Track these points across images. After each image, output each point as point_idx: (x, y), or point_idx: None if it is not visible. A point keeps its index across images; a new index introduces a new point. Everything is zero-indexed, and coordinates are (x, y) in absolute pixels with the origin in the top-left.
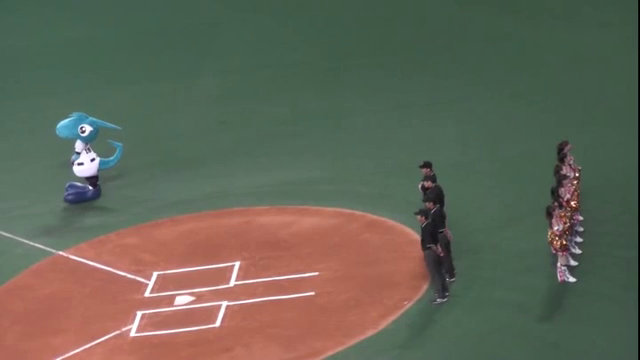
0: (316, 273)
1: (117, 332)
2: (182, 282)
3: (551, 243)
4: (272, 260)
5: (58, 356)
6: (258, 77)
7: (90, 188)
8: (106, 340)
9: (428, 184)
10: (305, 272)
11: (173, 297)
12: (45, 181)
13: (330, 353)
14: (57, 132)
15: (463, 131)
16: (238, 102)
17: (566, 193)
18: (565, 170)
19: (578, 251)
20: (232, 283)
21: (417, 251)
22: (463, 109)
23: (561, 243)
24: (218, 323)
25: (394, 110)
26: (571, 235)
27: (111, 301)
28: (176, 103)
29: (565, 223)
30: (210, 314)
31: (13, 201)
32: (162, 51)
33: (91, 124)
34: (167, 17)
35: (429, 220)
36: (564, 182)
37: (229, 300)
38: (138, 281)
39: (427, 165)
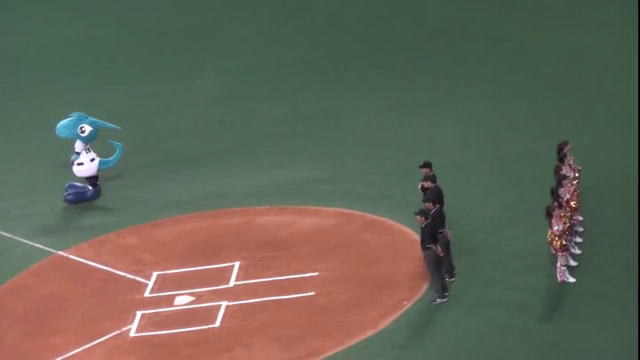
0: (316, 273)
1: (117, 332)
2: (182, 282)
3: (551, 243)
4: (272, 260)
5: (58, 356)
6: (258, 77)
7: (90, 188)
8: (106, 340)
9: (428, 184)
10: (305, 272)
11: (173, 297)
12: (45, 181)
13: (330, 353)
14: (57, 132)
15: (463, 131)
16: (238, 102)
17: (566, 193)
18: (565, 170)
19: (578, 251)
20: (232, 283)
21: (417, 251)
22: (463, 109)
23: (561, 243)
24: (218, 323)
25: (394, 110)
26: (571, 235)
27: (111, 301)
28: (176, 103)
29: (565, 223)
30: (210, 314)
31: (13, 201)
32: (162, 51)
33: (91, 124)
34: (167, 17)
35: (429, 220)
36: (564, 182)
37: (229, 300)
38: (138, 281)
39: (427, 165)
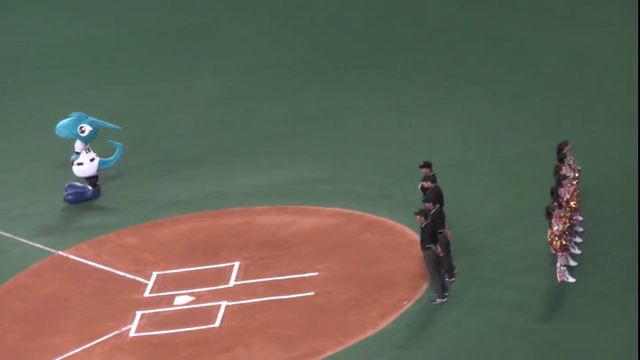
0: (316, 273)
1: (117, 332)
2: (182, 282)
3: (550, 243)
4: (272, 260)
5: (58, 356)
6: (258, 77)
7: (90, 188)
8: (106, 340)
9: (427, 184)
10: (305, 272)
11: (173, 297)
12: (45, 181)
13: (330, 353)
14: (57, 132)
15: (463, 131)
16: (238, 102)
17: (566, 193)
18: (565, 170)
19: (578, 251)
20: (232, 283)
21: (417, 251)
22: (463, 109)
23: (560, 243)
24: (218, 323)
25: (394, 110)
26: (570, 235)
27: (111, 301)
28: (176, 103)
29: (565, 223)
30: (210, 314)
31: (13, 201)
32: (162, 51)
33: (91, 124)
34: (167, 17)
35: (429, 220)
36: (564, 182)
37: (229, 300)
38: (138, 281)
39: (427, 165)
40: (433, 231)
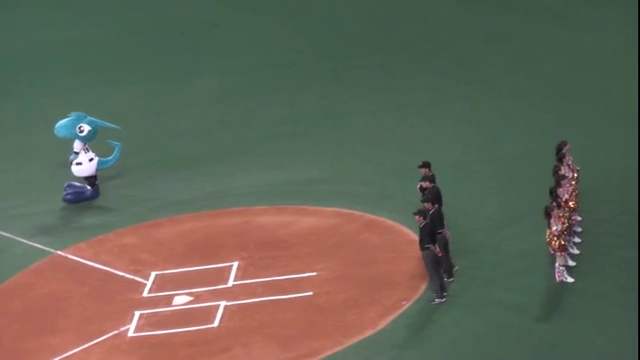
0: (315, 273)
1: (115, 332)
2: (180, 282)
3: (549, 243)
4: (271, 260)
5: (56, 356)
6: (258, 77)
7: (89, 188)
8: (104, 340)
9: (426, 184)
10: (304, 272)
11: (171, 297)
12: (44, 181)
13: (328, 353)
14: (55, 132)
15: (462, 131)
16: (238, 102)
17: (564, 193)
18: (564, 170)
19: (576, 251)
20: (230, 283)
21: (416, 251)
22: (463, 109)
23: (559, 243)
24: (216, 323)
25: (393, 110)
26: (569, 235)
27: (109, 301)
28: (176, 103)
29: (563, 223)
30: (208, 314)
31: (12, 200)
32: (162, 51)
33: (89, 124)
34: (167, 17)
35: (427, 220)
36: (563, 182)
37: (227, 300)
38: (136, 281)
39: (426, 165)
40: (432, 231)
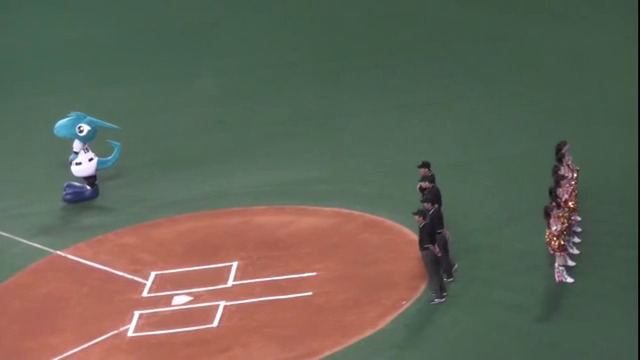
0: (314, 273)
1: (115, 332)
2: (180, 282)
3: (549, 243)
4: (270, 260)
5: (56, 355)
6: (257, 77)
7: (88, 188)
8: (104, 340)
9: (425, 184)
10: (303, 272)
11: (171, 297)
12: (43, 180)
13: (328, 353)
14: (55, 132)
15: (462, 131)
16: (237, 102)
17: (564, 193)
18: (563, 170)
19: (576, 251)
20: (230, 283)
21: (415, 251)
22: (462, 109)
23: (559, 243)
24: (216, 323)
25: (393, 110)
26: (569, 235)
27: (109, 301)
28: (175, 103)
29: (563, 223)
30: (208, 314)
31: (11, 200)
32: (162, 51)
33: (89, 124)
34: (166, 16)
35: (427, 220)
36: (562, 182)
37: (227, 300)
38: (136, 281)
39: (425, 165)
40: (432, 231)
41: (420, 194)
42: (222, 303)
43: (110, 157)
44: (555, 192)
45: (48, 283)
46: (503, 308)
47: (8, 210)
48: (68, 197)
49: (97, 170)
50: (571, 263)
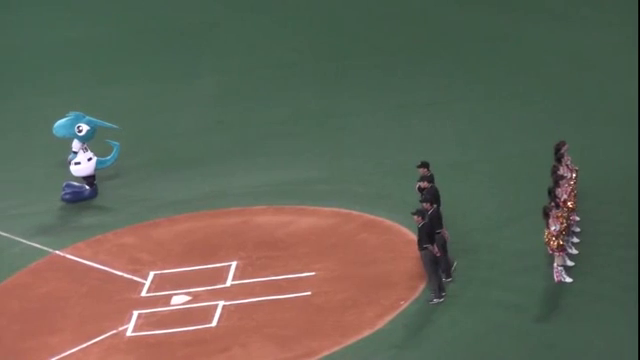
0: (313, 273)
1: (114, 332)
2: (179, 282)
3: (548, 243)
4: (269, 260)
5: (55, 355)
6: (257, 77)
7: (87, 187)
8: (102, 340)
9: (424, 184)
10: (302, 272)
11: (170, 297)
12: (42, 180)
13: (327, 353)
14: (54, 131)
15: (462, 131)
16: (237, 102)
17: (563, 193)
18: (562, 170)
19: (575, 251)
20: (229, 283)
21: (414, 251)
22: (462, 109)
23: (558, 243)
24: (215, 323)
25: (393, 110)
26: (568, 235)
27: (108, 300)
28: (175, 103)
29: (562, 223)
30: (207, 314)
31: (10, 200)
32: (161, 51)
33: (88, 123)
34: (167, 17)
35: (426, 220)
36: (561, 182)
37: (226, 300)
38: (135, 281)
39: (424, 165)
40: (430, 231)
41: (419, 194)
42: (221, 303)
43: (109, 157)
44: (554, 192)
45: (47, 283)
46: (502, 308)
47: (7, 210)
48: (67, 197)
49: (96, 170)
50: (570, 263)
